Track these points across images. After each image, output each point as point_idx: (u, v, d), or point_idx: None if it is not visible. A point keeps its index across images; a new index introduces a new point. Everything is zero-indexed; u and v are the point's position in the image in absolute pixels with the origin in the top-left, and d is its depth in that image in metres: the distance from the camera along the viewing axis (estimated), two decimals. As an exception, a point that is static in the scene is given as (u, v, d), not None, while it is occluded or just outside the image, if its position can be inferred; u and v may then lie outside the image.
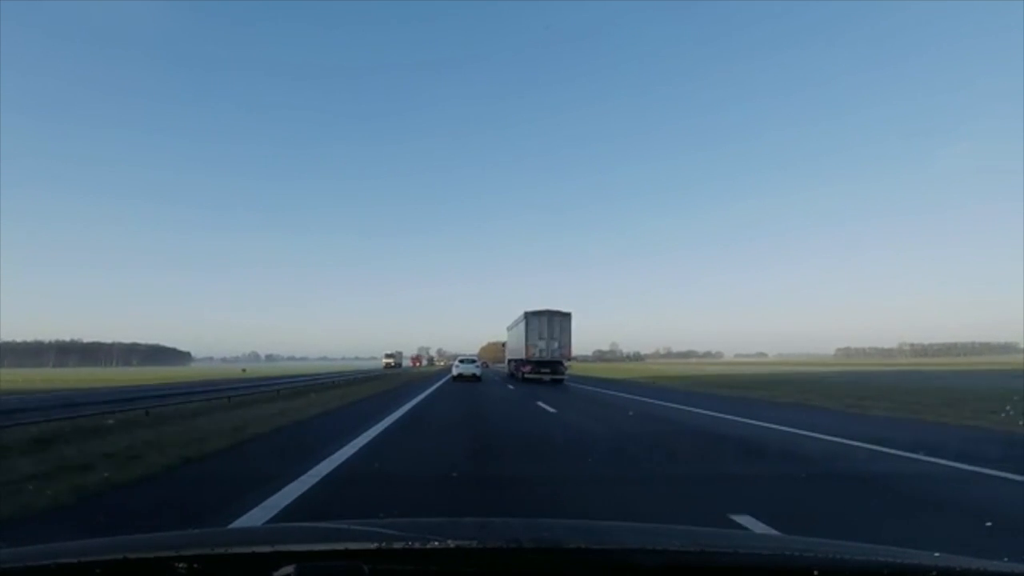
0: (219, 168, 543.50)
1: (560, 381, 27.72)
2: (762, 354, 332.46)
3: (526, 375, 27.38)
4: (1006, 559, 1.22)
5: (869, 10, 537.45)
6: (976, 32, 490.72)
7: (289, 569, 0.86)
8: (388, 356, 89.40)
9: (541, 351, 27.09)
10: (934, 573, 0.91)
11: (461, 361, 31.38)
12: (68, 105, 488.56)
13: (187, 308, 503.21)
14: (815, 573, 0.88)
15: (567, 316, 27.70)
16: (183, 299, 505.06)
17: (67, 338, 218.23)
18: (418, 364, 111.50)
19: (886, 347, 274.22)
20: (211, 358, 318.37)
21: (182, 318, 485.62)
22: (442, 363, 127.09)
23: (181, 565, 0.90)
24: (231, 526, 3.34)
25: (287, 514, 3.76)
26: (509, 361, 37.89)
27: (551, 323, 27.41)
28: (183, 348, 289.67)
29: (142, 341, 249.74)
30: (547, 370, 27.38)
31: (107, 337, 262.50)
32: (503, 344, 42.99)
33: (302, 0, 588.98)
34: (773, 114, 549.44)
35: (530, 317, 27.46)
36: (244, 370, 35.51)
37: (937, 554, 1.03)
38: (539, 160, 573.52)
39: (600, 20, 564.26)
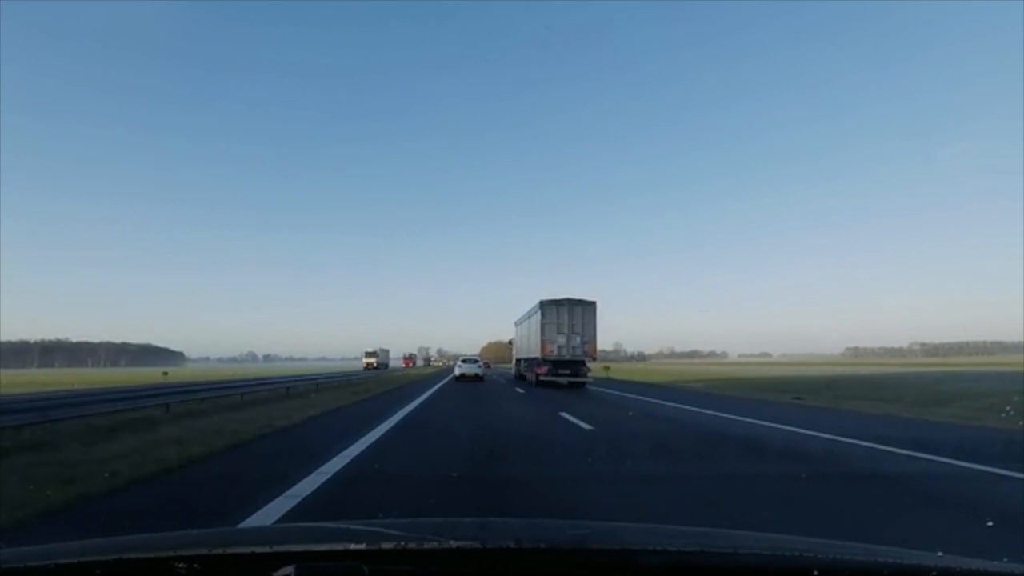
0: (216, 167, 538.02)
1: (581, 385, 22.99)
2: (766, 354, 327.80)
3: (541, 378, 22.59)
4: (1005, 559, 1.21)
5: (875, 9, 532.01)
6: (983, 30, 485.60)
7: (289, 569, 0.85)
8: (369, 355, 71.62)
9: (560, 348, 22.24)
10: (934, 573, 0.89)
11: (464, 361, 31.70)
12: (59, 103, 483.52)
13: (184, 308, 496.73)
14: (815, 573, 0.87)
15: (591, 306, 22.82)
16: (180, 299, 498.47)
17: (53, 337, 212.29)
18: (411, 364, 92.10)
19: (895, 346, 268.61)
20: (207, 358, 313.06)
21: (178, 318, 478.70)
22: (440, 363, 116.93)
23: (181, 565, 0.88)
24: (232, 527, 3.15)
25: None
26: (518, 361, 32.90)
27: (572, 314, 22.53)
28: (176, 348, 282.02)
29: (134, 341, 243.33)
30: (566, 371, 22.59)
31: (98, 337, 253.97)
32: (509, 342, 38.01)
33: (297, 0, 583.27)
34: (776, 113, 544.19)
35: (546, 307, 22.61)
36: (165, 373, 30.92)
37: (940, 553, 1.01)
38: (539, 160, 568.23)
39: (601, 20, 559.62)
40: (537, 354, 22.82)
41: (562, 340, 22.31)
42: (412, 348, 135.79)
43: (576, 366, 22.61)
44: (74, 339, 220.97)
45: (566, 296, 22.75)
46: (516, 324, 33.35)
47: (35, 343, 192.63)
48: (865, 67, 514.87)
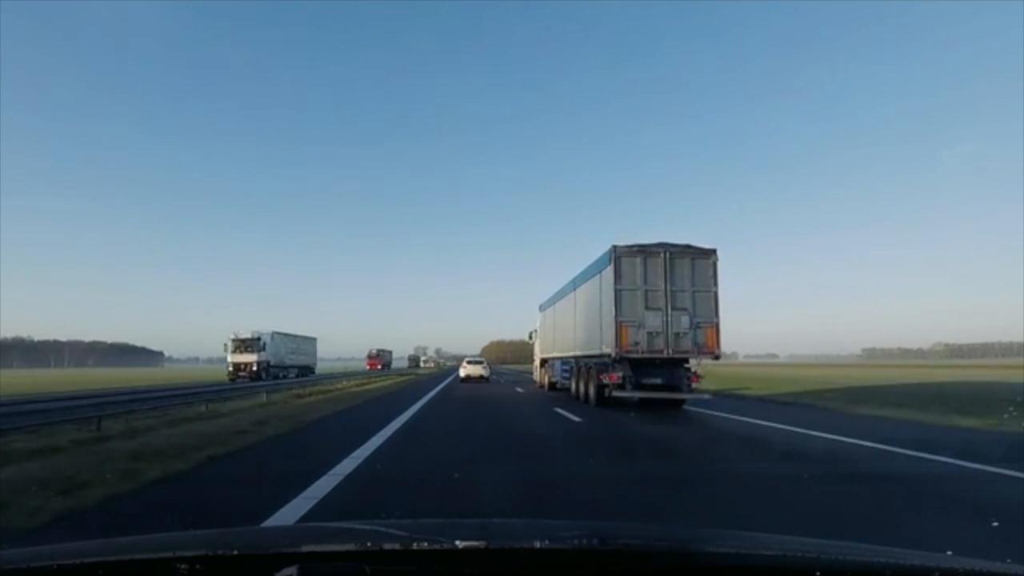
0: (208, 164, 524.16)
1: (681, 403, 12.64)
2: (772, 355, 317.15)
3: (612, 393, 12.28)
4: (1008, 560, 1.18)
5: (879, 10, 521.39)
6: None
7: (291, 570, 0.84)
8: (240, 345, 33.52)
9: (653, 336, 11.78)
10: (936, 574, 0.89)
11: (469, 362, 31.27)
12: (43, 96, 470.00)
13: (170, 306, 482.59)
14: (817, 574, 0.86)
15: (707, 258, 12.14)
16: (164, 296, 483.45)
17: (12, 335, 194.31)
18: (378, 367, 61.94)
19: (915, 347, 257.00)
20: (197, 359, 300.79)
21: (161, 316, 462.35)
22: (433, 365, 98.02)
23: (183, 566, 0.88)
24: (234, 528, 2.98)
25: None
26: (544, 362, 22.00)
27: (672, 274, 11.96)
28: (155, 348, 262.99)
29: (108, 340, 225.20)
30: (657, 380, 12.26)
31: (67, 335, 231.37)
32: (530, 336, 27.16)
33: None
34: (779, 113, 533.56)
35: (625, 260, 12.04)
36: None
37: (949, 553, 0.99)
38: (541, 160, 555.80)
39: (603, 21, 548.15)
40: (605, 348, 12.33)
41: (655, 321, 11.82)
42: (409, 347, 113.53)
43: (674, 369, 12.25)
44: (37, 337, 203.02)
45: (661, 240, 12.28)
46: (542, 309, 22.68)
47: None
48: (873, 65, 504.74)
